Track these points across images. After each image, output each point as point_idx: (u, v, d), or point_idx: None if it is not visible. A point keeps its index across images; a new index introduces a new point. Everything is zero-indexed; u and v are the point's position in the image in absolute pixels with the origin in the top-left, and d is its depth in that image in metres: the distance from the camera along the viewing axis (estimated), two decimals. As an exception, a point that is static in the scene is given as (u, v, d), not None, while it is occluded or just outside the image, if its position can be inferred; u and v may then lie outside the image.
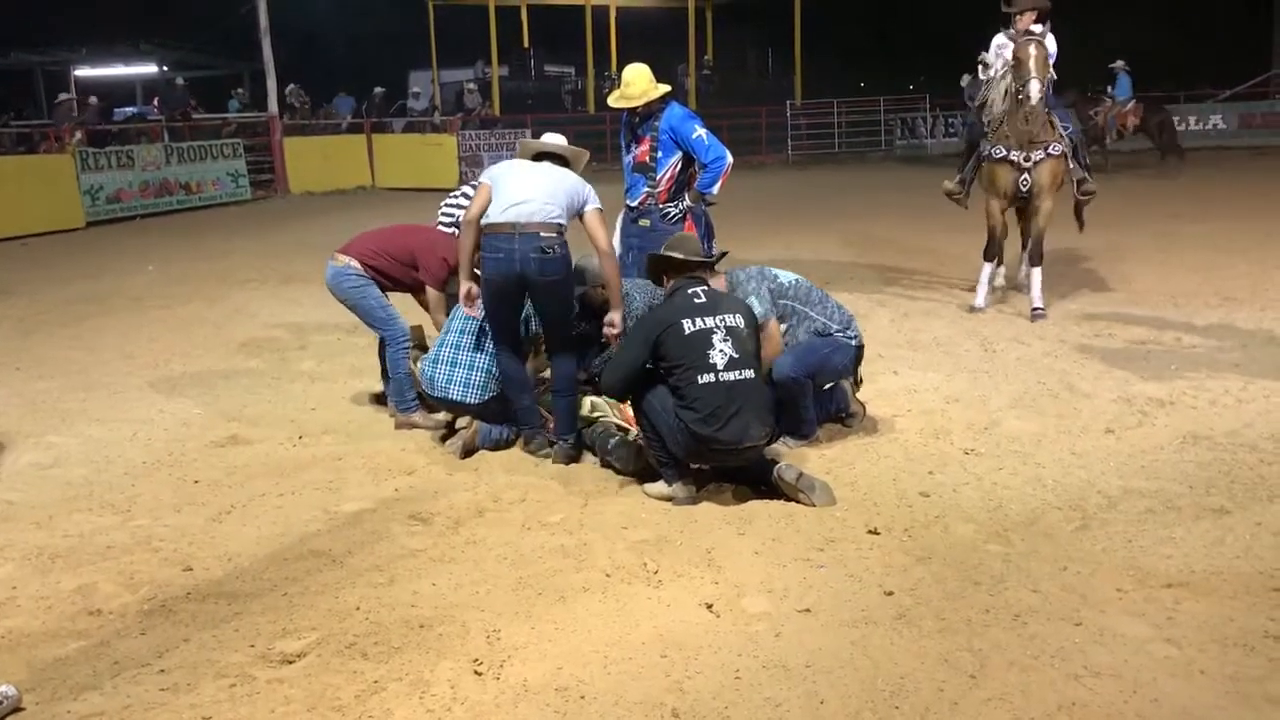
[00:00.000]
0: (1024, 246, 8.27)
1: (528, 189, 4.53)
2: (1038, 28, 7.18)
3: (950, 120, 23.44)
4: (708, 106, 22.19)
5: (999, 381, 5.71)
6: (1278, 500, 3.96)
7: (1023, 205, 7.49)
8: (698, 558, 3.55)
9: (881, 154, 23.87)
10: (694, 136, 5.73)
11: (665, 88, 5.86)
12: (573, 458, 4.72)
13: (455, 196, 5.85)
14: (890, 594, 3.25)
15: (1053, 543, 3.67)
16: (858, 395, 5.03)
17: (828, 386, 4.84)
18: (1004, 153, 7.24)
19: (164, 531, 4.00)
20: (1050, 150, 7.19)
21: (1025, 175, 7.22)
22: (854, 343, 4.84)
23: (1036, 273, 7.35)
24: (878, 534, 3.73)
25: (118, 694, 2.82)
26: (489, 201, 4.57)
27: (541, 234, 4.46)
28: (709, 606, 3.21)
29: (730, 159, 5.79)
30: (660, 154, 5.80)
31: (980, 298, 7.59)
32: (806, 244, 10.76)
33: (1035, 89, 6.84)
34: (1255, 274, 8.36)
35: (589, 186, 4.71)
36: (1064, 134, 7.28)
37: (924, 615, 3.11)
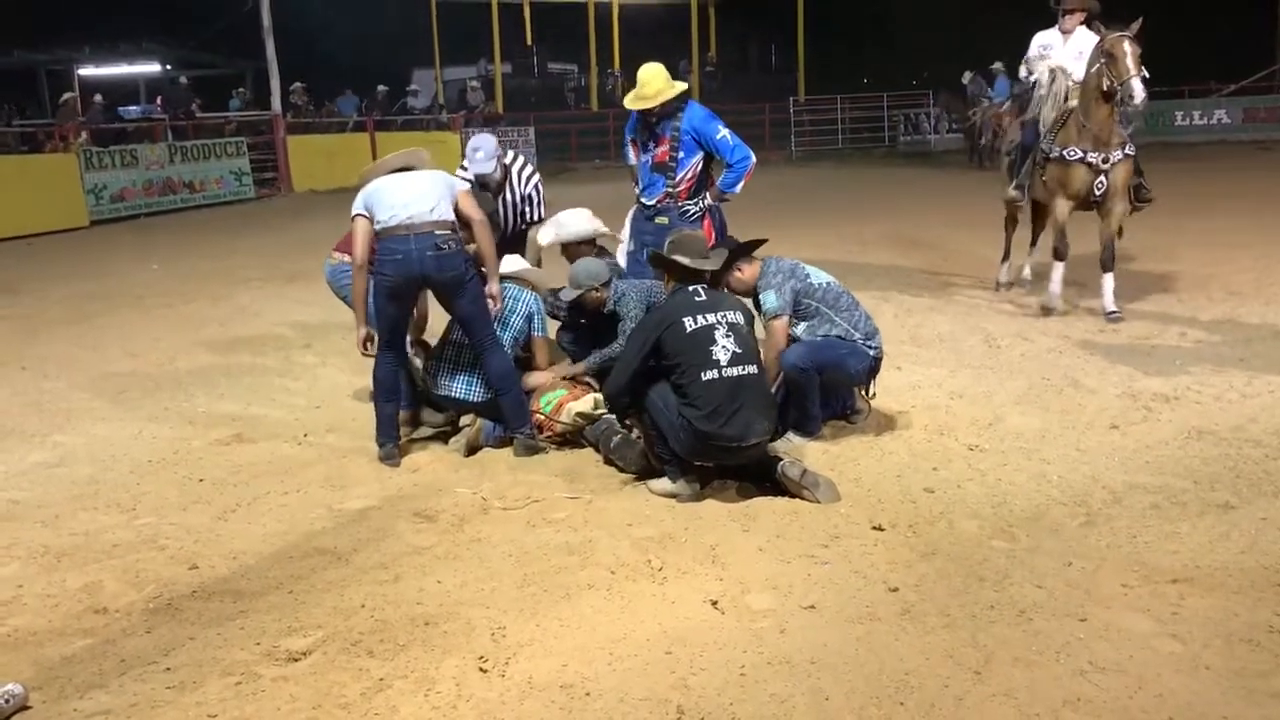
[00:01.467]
0: (1032, 243, 8.25)
1: (410, 194, 4.58)
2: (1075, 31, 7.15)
3: (953, 117, 23.38)
4: (711, 103, 22.13)
5: (1003, 377, 5.70)
6: (1283, 495, 3.95)
7: (1088, 207, 7.17)
8: (702, 554, 3.55)
9: (885, 150, 23.84)
10: (718, 137, 5.68)
11: (682, 86, 5.76)
12: (533, 449, 4.73)
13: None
14: (895, 590, 3.25)
15: (1057, 538, 3.66)
16: (863, 393, 5.03)
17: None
18: (1079, 154, 6.91)
19: (169, 530, 4.01)
20: (1126, 150, 6.94)
21: (1101, 177, 6.91)
22: (873, 353, 4.77)
23: (1108, 279, 7.02)
24: (882, 530, 3.73)
25: (124, 692, 2.83)
26: (370, 232, 4.60)
27: (436, 232, 4.53)
28: (714, 603, 3.21)
29: (754, 159, 5.72)
30: (682, 154, 5.70)
31: (1055, 298, 7.23)
32: (809, 240, 10.72)
33: (1140, 88, 6.52)
34: (1259, 269, 8.34)
35: (451, 176, 4.88)
36: (1126, 136, 7.01)
37: (929, 611, 3.11)
